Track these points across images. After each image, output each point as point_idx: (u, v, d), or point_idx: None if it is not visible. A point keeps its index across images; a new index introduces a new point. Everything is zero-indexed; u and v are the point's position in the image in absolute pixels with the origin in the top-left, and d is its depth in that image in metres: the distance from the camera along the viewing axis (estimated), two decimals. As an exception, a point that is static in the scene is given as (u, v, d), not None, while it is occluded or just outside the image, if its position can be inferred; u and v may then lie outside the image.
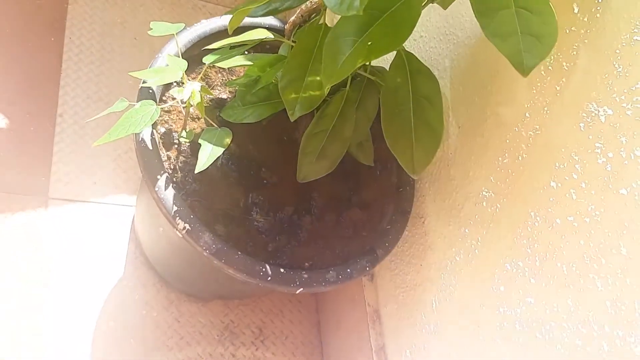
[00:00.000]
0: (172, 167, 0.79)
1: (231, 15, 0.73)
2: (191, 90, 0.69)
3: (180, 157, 0.81)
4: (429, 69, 0.68)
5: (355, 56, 0.57)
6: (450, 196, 0.89)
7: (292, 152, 0.90)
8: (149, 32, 0.74)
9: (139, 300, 1.02)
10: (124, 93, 1.18)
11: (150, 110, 0.67)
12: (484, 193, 0.83)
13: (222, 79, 0.90)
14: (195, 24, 0.87)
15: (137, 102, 0.78)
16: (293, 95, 0.69)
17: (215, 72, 0.90)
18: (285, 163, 0.89)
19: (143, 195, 1.01)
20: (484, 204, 0.83)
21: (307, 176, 0.78)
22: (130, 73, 0.73)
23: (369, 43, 0.58)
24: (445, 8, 0.66)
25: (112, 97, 1.16)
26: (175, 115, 0.84)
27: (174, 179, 0.78)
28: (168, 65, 0.71)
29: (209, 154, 0.67)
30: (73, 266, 1.00)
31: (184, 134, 0.77)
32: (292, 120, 0.69)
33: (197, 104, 0.70)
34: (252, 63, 0.78)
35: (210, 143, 0.68)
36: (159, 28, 0.73)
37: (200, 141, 0.69)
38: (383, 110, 0.67)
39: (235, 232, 0.81)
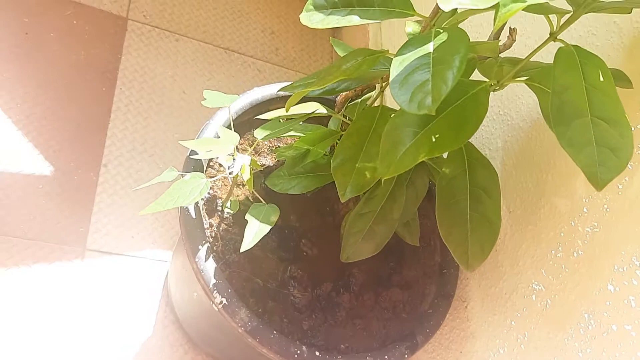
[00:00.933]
0: (213, 234, 0.78)
1: (283, 84, 0.73)
2: (241, 164, 0.68)
3: (222, 225, 0.80)
4: (487, 159, 0.66)
5: (416, 149, 0.55)
6: (497, 283, 0.85)
7: (334, 224, 0.88)
8: (203, 103, 0.74)
9: (165, 361, 0.99)
10: (169, 147, 1.18)
11: (200, 183, 0.66)
12: (534, 285, 0.79)
13: (269, 146, 0.90)
14: (247, 92, 0.87)
15: (184, 169, 0.78)
16: (345, 177, 0.67)
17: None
18: (326, 235, 0.87)
19: (179, 254, 1.00)
20: (534, 297, 0.79)
21: (351, 257, 0.76)
22: (181, 142, 0.72)
23: (434, 136, 0.56)
24: (501, 89, 0.65)
25: (157, 150, 1.17)
26: (220, 181, 0.83)
27: (214, 248, 0.77)
28: (219, 137, 0.70)
29: (255, 232, 0.65)
30: (104, 320, 0.99)
31: (228, 203, 0.76)
32: (342, 201, 0.67)
33: (244, 174, 0.69)
34: (301, 134, 0.77)
35: (257, 220, 0.67)
36: (213, 99, 0.73)
37: (247, 217, 0.67)
38: (438, 198, 0.65)
39: (271, 306, 0.78)
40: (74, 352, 0.95)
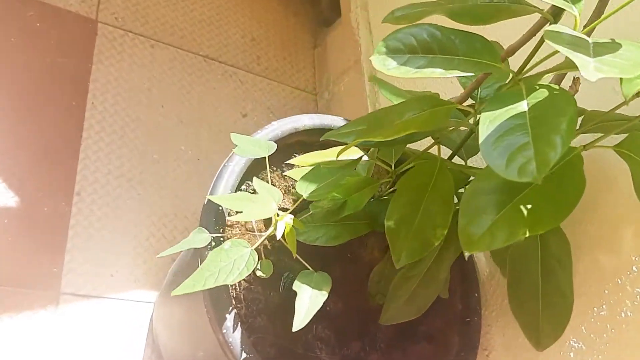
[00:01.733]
0: (234, 295, 0.69)
1: (302, 118, 0.64)
2: (284, 226, 0.59)
3: (243, 283, 0.70)
4: (559, 226, 0.61)
5: (509, 224, 0.49)
6: (526, 335, 0.81)
7: (358, 273, 0.81)
8: (235, 151, 0.64)
9: (154, 418, 0.89)
10: (148, 170, 1.06)
11: (243, 254, 0.56)
12: (572, 342, 0.75)
13: (285, 185, 0.81)
14: (267, 127, 0.78)
15: (202, 222, 0.68)
16: (401, 240, 0.60)
17: (279, 176, 0.81)
18: (350, 286, 0.79)
19: (169, 297, 0.89)
20: (571, 354, 0.75)
21: (392, 320, 0.69)
22: (210, 197, 0.62)
23: (525, 208, 0.49)
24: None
25: (135, 173, 1.04)
26: (237, 230, 0.74)
27: (239, 312, 0.67)
28: (256, 192, 0.61)
29: (307, 307, 0.57)
30: (81, 375, 0.87)
31: (258, 264, 0.66)
32: (396, 267, 0.60)
33: (289, 238, 0.60)
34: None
35: (309, 290, 0.58)
36: (246, 147, 0.63)
37: (296, 289, 0.58)
38: (510, 270, 0.59)
39: (299, 373, 0.70)
40: (50, 414, 0.82)
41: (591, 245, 0.74)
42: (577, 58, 0.41)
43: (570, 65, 0.56)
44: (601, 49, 0.46)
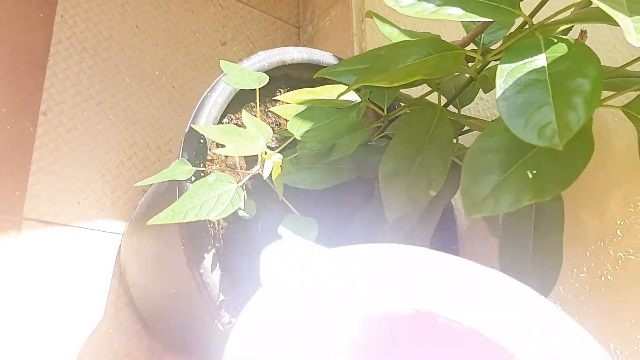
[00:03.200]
0: (212, 234, 0.65)
1: (288, 50, 0.59)
2: (272, 165, 0.56)
3: (222, 222, 0.67)
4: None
5: (513, 187, 0.46)
6: (501, 290, 0.81)
7: (341, 218, 0.78)
8: (224, 80, 0.59)
9: (119, 350, 0.87)
10: (120, 93, 1.00)
11: (229, 190, 0.52)
12: (549, 300, 0.75)
13: (268, 122, 0.76)
14: (252, 57, 0.72)
15: (184, 153, 0.63)
16: (395, 191, 0.57)
17: (262, 112, 0.76)
18: (333, 232, 0.77)
19: (138, 228, 0.86)
20: (546, 312, 0.75)
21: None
22: (193, 126, 0.57)
23: (530, 172, 0.47)
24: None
25: (106, 96, 0.98)
26: (217, 166, 0.70)
27: (218, 253, 0.64)
28: (247, 126, 0.57)
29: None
30: (45, 303, 0.83)
31: (241, 204, 0.63)
32: (388, 219, 0.57)
33: (276, 180, 0.57)
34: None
35: (294, 235, 0.55)
36: (236, 76, 0.59)
37: (281, 233, 0.55)
38: (502, 228, 0.57)
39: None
40: (10, 340, 0.79)
41: (577, 204, 0.74)
42: (620, 18, 0.38)
43: (590, 17, 0.52)
44: (636, 6, 0.42)
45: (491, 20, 0.49)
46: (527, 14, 0.54)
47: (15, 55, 0.91)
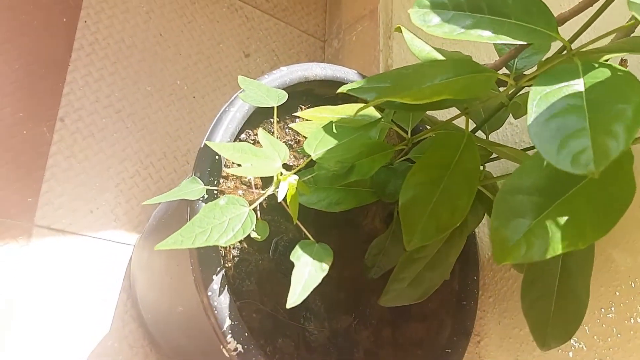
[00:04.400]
0: (222, 254, 0.63)
1: (311, 66, 0.57)
2: (287, 188, 0.53)
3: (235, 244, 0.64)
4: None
5: (545, 231, 0.43)
6: (523, 326, 0.77)
7: (355, 242, 0.75)
8: (241, 96, 0.57)
9: (123, 365, 0.84)
10: (140, 102, 0.98)
11: (241, 213, 0.50)
12: (573, 342, 0.71)
13: (287, 139, 0.74)
14: (274, 72, 0.70)
15: (196, 170, 0.61)
16: (415, 219, 0.54)
17: (281, 128, 0.74)
18: (346, 255, 0.74)
19: (150, 242, 0.84)
20: (570, 354, 0.71)
21: (392, 302, 0.64)
22: (207, 143, 0.55)
23: (562, 218, 0.43)
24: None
25: (125, 105, 0.97)
26: (232, 183, 0.67)
27: (227, 274, 0.62)
28: (263, 145, 0.54)
29: (305, 280, 0.51)
30: (52, 312, 0.81)
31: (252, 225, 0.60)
32: (406, 249, 0.54)
33: (291, 202, 0.54)
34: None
35: (307, 263, 0.52)
36: (253, 92, 0.56)
37: (293, 259, 0.53)
38: (528, 266, 0.54)
39: (282, 343, 0.65)
40: (16, 348, 0.77)
41: (609, 242, 0.70)
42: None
43: (635, 47, 0.49)
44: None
45: (525, 43, 0.46)
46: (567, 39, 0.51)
47: (36, 59, 0.90)
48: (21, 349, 0.78)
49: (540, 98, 0.42)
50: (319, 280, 0.52)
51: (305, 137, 0.75)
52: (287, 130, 0.75)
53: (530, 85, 0.55)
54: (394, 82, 0.55)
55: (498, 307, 0.81)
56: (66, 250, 0.85)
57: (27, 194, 0.84)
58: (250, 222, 0.49)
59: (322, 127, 0.58)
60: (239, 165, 0.54)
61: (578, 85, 0.44)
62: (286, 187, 0.53)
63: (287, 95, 0.61)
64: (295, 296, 0.50)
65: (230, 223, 0.49)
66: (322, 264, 0.53)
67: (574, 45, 0.51)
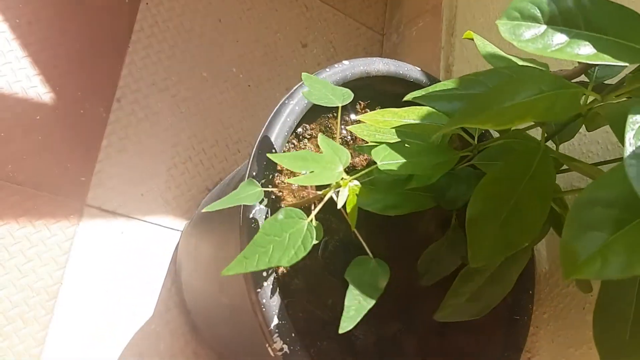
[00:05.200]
0: (274, 252, 0.61)
1: (372, 61, 0.54)
2: (347, 195, 0.51)
3: (285, 239, 0.63)
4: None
5: (624, 247, 0.40)
6: (579, 346, 0.73)
7: (408, 246, 0.73)
8: (304, 94, 0.55)
9: (164, 351, 0.84)
10: (195, 87, 0.97)
11: (300, 227, 0.48)
12: (633, 368, 0.67)
13: (343, 136, 0.72)
14: (335, 65, 0.68)
15: (251, 173, 0.59)
16: (482, 235, 0.51)
17: (334, 126, 0.71)
18: (398, 259, 0.71)
19: (199, 229, 0.83)
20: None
21: (449, 317, 0.61)
22: (269, 156, 0.53)
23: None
24: None
25: (181, 89, 0.96)
26: (286, 177, 0.66)
27: (277, 271, 0.60)
28: (323, 150, 0.52)
29: (359, 302, 0.49)
30: (96, 292, 0.82)
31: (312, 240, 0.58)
32: (472, 266, 0.52)
33: (350, 208, 0.52)
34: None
35: (362, 284, 0.50)
36: (316, 90, 0.54)
37: (348, 278, 0.50)
38: (601, 291, 0.50)
39: (328, 347, 0.64)
40: (56, 325, 0.78)
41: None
42: None
43: None
44: None
45: (625, 64, 0.42)
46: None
47: (96, 39, 0.90)
48: (65, 327, 0.78)
49: (638, 128, 0.39)
50: (374, 302, 0.50)
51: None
52: (343, 127, 0.72)
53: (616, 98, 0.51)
54: (466, 91, 0.53)
55: (553, 325, 0.77)
56: (115, 232, 0.85)
57: (80, 173, 0.84)
58: (310, 237, 0.47)
59: (395, 144, 0.55)
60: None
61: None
62: (347, 193, 0.50)
63: (352, 95, 0.59)
64: (349, 319, 0.48)
65: (290, 239, 0.47)
66: (377, 284, 0.50)
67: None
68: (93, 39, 0.90)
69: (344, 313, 0.48)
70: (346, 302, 0.48)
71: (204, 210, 0.60)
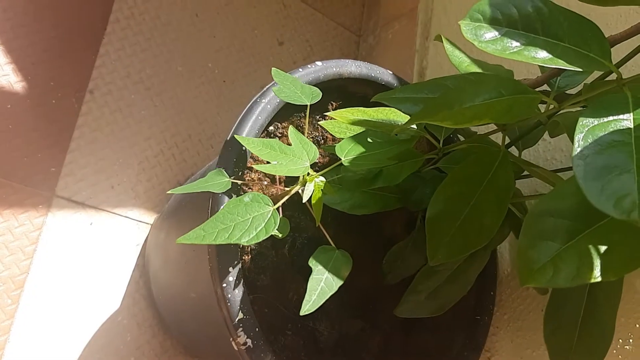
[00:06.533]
0: (240, 247, 0.62)
1: (345, 63, 0.55)
2: (313, 189, 0.52)
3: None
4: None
5: (574, 258, 0.41)
6: (537, 348, 0.75)
7: (373, 246, 0.74)
8: (274, 90, 0.56)
9: (130, 342, 0.84)
10: (169, 81, 0.98)
11: (264, 212, 0.49)
12: (586, 369, 0.69)
13: (315, 135, 0.73)
14: (309, 66, 0.69)
15: (220, 163, 0.60)
16: (441, 234, 0.53)
17: (309, 123, 0.73)
18: (363, 258, 0.72)
19: (167, 223, 0.83)
20: (583, 381, 0.70)
21: (408, 313, 0.63)
22: (236, 137, 0.54)
23: (598, 247, 0.42)
24: None
25: (155, 82, 0.96)
26: (256, 174, 0.67)
27: (243, 267, 0.61)
28: (292, 143, 0.53)
29: (321, 288, 0.50)
30: (63, 283, 0.82)
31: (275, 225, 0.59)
32: (430, 264, 0.53)
33: (315, 204, 0.53)
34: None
35: (324, 271, 0.51)
36: (286, 87, 0.55)
37: (311, 265, 0.52)
38: (552, 293, 0.52)
39: (292, 342, 0.65)
40: (24, 317, 0.78)
41: (633, 272, 0.68)
42: None
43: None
44: None
45: (579, 69, 0.44)
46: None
47: (71, 29, 0.90)
48: (31, 317, 0.78)
49: (587, 131, 0.41)
50: (335, 289, 0.51)
51: (333, 136, 0.75)
52: (315, 125, 0.73)
53: (573, 107, 0.53)
54: (432, 94, 0.54)
55: (512, 325, 0.79)
56: (84, 224, 0.85)
57: (50, 163, 0.84)
58: (273, 222, 0.49)
59: (358, 134, 0.56)
60: (267, 161, 0.53)
61: (627, 120, 0.42)
62: (312, 188, 0.52)
63: (320, 94, 0.60)
64: (310, 304, 0.50)
65: (253, 221, 0.48)
66: (340, 274, 0.52)
67: (621, 70, 0.49)
68: (67, 28, 0.89)
69: (306, 297, 0.49)
70: (309, 287, 0.50)
71: (169, 192, 0.60)
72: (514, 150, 0.70)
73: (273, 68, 0.58)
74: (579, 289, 0.52)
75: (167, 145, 0.95)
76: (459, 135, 0.73)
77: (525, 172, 0.67)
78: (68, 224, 0.83)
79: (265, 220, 0.49)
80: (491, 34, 0.45)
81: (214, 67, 1.04)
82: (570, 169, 0.69)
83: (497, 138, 0.65)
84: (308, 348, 0.65)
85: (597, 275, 0.40)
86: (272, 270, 0.65)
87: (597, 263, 0.40)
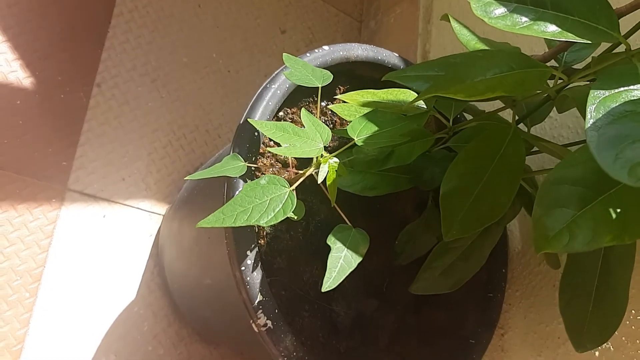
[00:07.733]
0: (256, 230, 0.63)
1: (353, 47, 0.55)
2: (327, 170, 0.53)
3: (267, 219, 0.64)
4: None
5: (589, 223, 0.42)
6: (549, 322, 0.76)
7: (386, 227, 0.75)
8: (285, 74, 0.56)
9: (147, 332, 0.85)
10: (174, 72, 0.98)
11: (281, 194, 0.50)
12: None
13: (324, 119, 0.73)
14: (316, 51, 0.69)
15: (234, 147, 0.61)
16: (455, 210, 0.53)
17: (315, 110, 0.73)
18: (376, 240, 0.73)
19: (180, 213, 0.84)
20: (597, 353, 0.71)
21: (423, 290, 0.64)
22: (250, 120, 0.55)
23: (614, 211, 0.42)
24: None
25: (160, 74, 0.97)
26: (267, 160, 0.67)
27: (260, 251, 0.62)
28: (305, 126, 0.54)
29: (340, 265, 0.51)
30: (78, 275, 0.83)
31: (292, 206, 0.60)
32: (445, 240, 0.54)
33: (330, 185, 0.54)
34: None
35: (344, 248, 0.52)
36: (298, 71, 0.56)
37: (330, 243, 0.52)
38: (567, 264, 0.53)
39: (309, 323, 0.66)
40: (40, 308, 0.79)
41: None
42: None
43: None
44: None
45: (589, 42, 0.45)
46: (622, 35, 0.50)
47: (76, 23, 0.90)
48: (49, 309, 0.79)
49: (599, 102, 0.42)
50: (354, 266, 0.52)
51: (341, 119, 0.75)
52: (325, 110, 0.74)
53: (583, 81, 0.54)
54: (443, 71, 0.55)
55: (525, 302, 0.80)
56: (97, 216, 0.86)
57: (61, 157, 0.84)
58: (290, 203, 0.49)
59: (367, 114, 0.57)
60: (279, 144, 0.53)
61: (637, 91, 0.43)
62: (326, 169, 0.52)
63: (332, 76, 0.60)
64: (330, 280, 0.50)
65: (271, 203, 0.49)
66: (358, 251, 0.53)
67: (629, 42, 0.50)
68: (73, 23, 0.90)
69: (326, 274, 0.50)
70: (328, 264, 0.51)
71: (186, 178, 0.61)
72: (522, 127, 0.70)
73: (284, 53, 0.59)
74: (593, 259, 0.53)
75: (175, 136, 0.95)
76: (468, 115, 0.73)
77: (534, 149, 0.68)
78: (81, 216, 0.84)
79: (283, 202, 0.49)
80: (501, 9, 0.45)
81: (218, 57, 1.04)
82: (578, 143, 0.70)
83: (505, 116, 0.65)
84: (325, 329, 0.66)
85: (612, 239, 0.40)
86: (287, 253, 0.66)
87: (612, 227, 0.41)
